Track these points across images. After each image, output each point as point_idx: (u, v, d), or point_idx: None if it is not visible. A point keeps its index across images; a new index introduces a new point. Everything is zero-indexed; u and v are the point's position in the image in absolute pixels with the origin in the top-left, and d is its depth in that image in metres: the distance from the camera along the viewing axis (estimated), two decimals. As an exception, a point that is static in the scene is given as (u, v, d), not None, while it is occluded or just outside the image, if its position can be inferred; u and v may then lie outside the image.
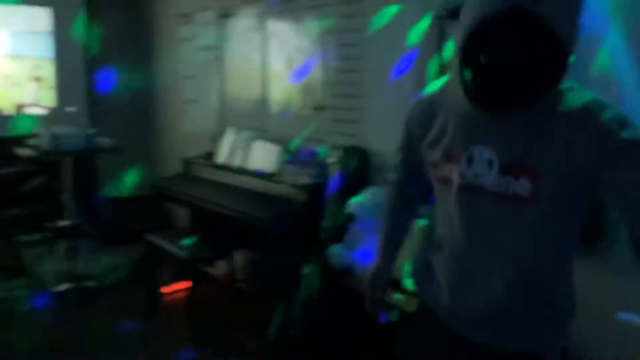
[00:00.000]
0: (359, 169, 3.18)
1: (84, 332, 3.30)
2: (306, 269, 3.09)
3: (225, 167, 3.99)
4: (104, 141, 3.15)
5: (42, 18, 4.99)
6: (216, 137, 4.33)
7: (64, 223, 3.15)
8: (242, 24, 4.11)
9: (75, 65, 5.16)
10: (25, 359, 3.03)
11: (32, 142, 3.08)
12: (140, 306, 3.90)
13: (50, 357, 3.03)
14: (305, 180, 3.28)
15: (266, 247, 3.64)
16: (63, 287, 3.10)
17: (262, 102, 3.99)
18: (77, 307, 3.22)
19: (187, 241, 3.66)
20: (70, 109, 5.16)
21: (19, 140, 3.09)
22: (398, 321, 1.66)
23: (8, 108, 4.89)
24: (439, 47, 2.62)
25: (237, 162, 3.92)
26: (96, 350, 3.25)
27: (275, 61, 3.85)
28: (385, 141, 3.16)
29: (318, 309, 3.04)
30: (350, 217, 2.98)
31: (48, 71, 5.08)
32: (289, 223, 3.25)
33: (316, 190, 3.24)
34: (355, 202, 2.99)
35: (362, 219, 2.97)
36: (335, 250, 2.99)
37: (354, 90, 3.30)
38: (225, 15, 4.25)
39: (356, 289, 2.86)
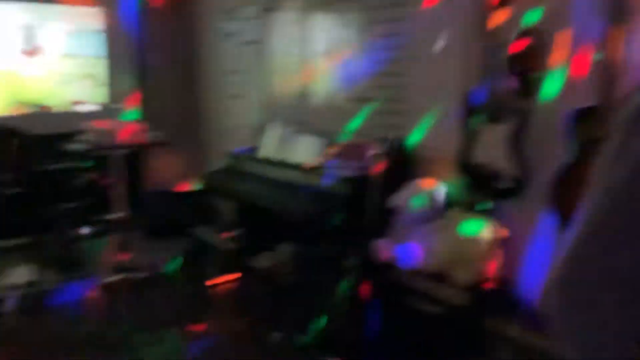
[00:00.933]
0: (403, 161, 3.14)
1: (133, 322, 3.39)
2: (349, 263, 3.08)
3: (268, 161, 4.02)
4: (153, 135, 3.22)
5: (94, 17, 5.14)
6: (259, 131, 4.36)
7: (114, 216, 3.23)
8: (285, 17, 4.12)
9: (125, 63, 5.30)
10: (83, 348, 3.14)
11: (83, 137, 3.18)
12: (187, 298, 3.98)
13: (104, 346, 3.14)
14: (348, 173, 3.27)
15: (310, 240, 3.65)
16: (114, 278, 3.19)
17: (305, 95, 3.99)
18: (127, 298, 3.31)
19: (232, 234, 3.71)
20: (120, 105, 5.31)
21: (71, 136, 3.21)
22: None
23: (62, 105, 5.08)
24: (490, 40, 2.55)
25: (280, 155, 3.94)
26: (145, 340, 3.35)
27: (318, 54, 3.84)
28: (429, 134, 3.11)
29: (360, 303, 3.03)
30: (394, 211, 2.95)
31: (100, 69, 5.23)
32: (332, 216, 3.24)
33: (360, 184, 3.21)
34: (399, 195, 2.95)
35: (405, 212, 2.93)
36: (379, 244, 2.96)
37: (399, 82, 3.26)
38: (269, 9, 4.27)
39: (399, 283, 2.85)
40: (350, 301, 3.04)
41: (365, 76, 3.48)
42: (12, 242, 4.59)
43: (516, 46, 2.46)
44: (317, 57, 3.86)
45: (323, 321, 3.15)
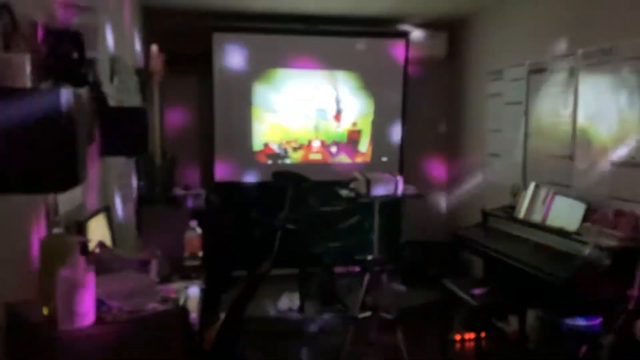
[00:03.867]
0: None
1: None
2: (606, 340, 2.83)
3: (524, 222, 3.94)
4: (409, 188, 3.48)
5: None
6: (517, 191, 4.30)
7: (369, 258, 3.55)
8: (553, 78, 4.05)
9: (388, 120, 5.79)
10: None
11: (351, 185, 3.60)
12: (430, 346, 4.08)
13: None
14: (611, 242, 3.03)
15: (562, 309, 3.45)
16: (364, 314, 3.48)
17: (568, 158, 3.84)
18: (376, 334, 3.57)
19: (481, 291, 3.71)
20: (383, 158, 5.80)
21: (342, 184, 3.69)
22: None
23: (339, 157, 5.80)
24: None
25: (536, 217, 3.84)
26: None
27: (586, 116, 3.68)
28: None
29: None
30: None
31: (367, 125, 5.83)
32: (588, 286, 3.03)
33: (624, 255, 2.96)
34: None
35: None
36: (644, 325, 2.67)
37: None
38: (536, 70, 4.26)
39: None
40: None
41: (639, 141, 3.22)
42: (284, 271, 5.32)
43: None
44: (584, 118, 3.70)
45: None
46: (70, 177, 1.47)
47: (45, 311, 1.49)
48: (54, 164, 1.43)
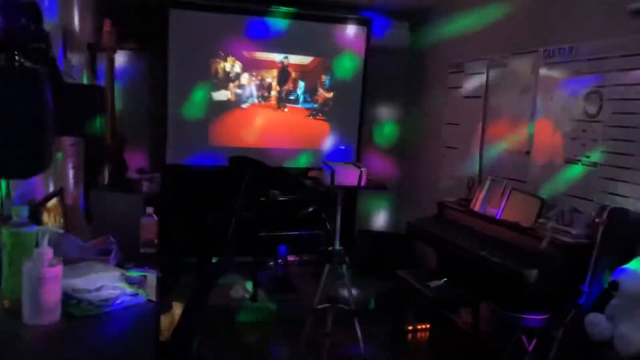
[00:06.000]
0: (628, 234, 2.90)
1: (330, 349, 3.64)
2: (557, 334, 2.92)
3: (479, 215, 4.01)
4: (370, 178, 3.47)
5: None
6: (473, 184, 4.37)
7: (327, 249, 3.53)
8: (513, 74, 4.12)
9: (346, 108, 5.77)
10: None
11: (314, 174, 3.56)
12: (383, 336, 4.12)
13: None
14: (565, 238, 3.12)
15: (515, 302, 3.54)
16: (322, 305, 3.46)
17: (525, 153, 3.93)
18: (333, 325, 3.55)
19: (434, 283, 3.76)
20: (341, 146, 5.78)
21: (304, 172, 3.63)
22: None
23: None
24: None
25: (492, 211, 3.91)
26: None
27: (544, 113, 3.77)
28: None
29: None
30: (615, 286, 2.73)
31: (325, 112, 5.78)
32: (542, 281, 3.12)
33: (577, 251, 3.05)
34: (623, 269, 2.73)
35: (628, 289, 2.70)
36: (593, 319, 2.76)
37: (634, 148, 3.05)
38: (496, 65, 4.32)
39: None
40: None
41: (595, 140, 3.32)
42: (238, 259, 5.23)
43: None
44: (541, 115, 3.79)
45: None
46: (37, 162, 1.36)
47: (6, 304, 1.37)
48: (20, 148, 1.31)
